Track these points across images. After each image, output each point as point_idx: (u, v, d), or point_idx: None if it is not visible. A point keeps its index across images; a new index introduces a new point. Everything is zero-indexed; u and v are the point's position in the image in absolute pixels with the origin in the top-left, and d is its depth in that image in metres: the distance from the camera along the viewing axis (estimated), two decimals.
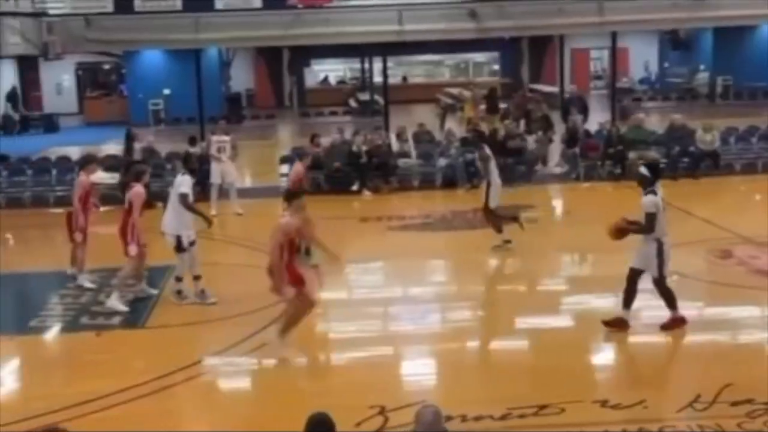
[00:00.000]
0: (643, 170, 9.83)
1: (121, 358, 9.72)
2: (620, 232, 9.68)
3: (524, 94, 29.60)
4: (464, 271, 13.27)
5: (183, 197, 11.25)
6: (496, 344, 9.92)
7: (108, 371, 9.21)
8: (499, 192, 13.58)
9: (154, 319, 10.88)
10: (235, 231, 16.24)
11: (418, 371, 9.38)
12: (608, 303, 10.48)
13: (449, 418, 7.16)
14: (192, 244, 11.35)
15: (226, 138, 17.57)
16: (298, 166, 14.04)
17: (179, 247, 11.22)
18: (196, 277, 11.43)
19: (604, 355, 9.66)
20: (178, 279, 11.48)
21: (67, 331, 10.75)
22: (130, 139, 19.22)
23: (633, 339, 9.77)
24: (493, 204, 13.56)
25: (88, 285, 12.22)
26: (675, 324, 9.71)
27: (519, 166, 19.72)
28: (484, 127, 22.48)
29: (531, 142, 21.15)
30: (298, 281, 9.24)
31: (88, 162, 12.90)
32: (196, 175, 12.35)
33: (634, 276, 9.72)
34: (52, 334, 10.81)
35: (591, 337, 9.71)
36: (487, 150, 13.91)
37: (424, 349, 9.88)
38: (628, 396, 8.05)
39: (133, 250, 11.26)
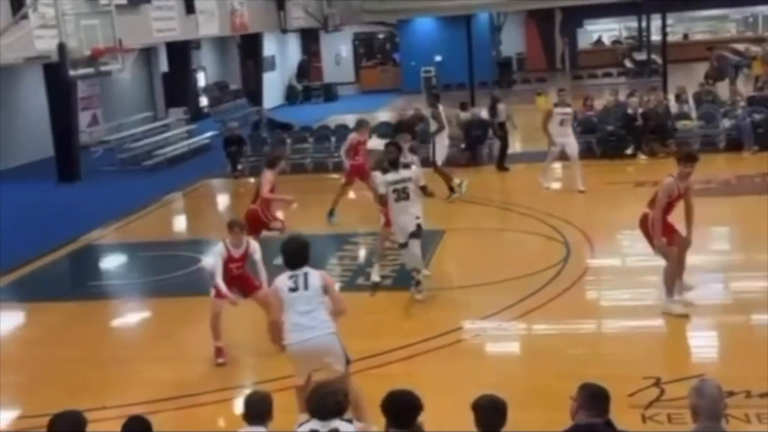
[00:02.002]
0: None
1: (393, 318, 10.03)
2: None
3: (721, 54, 27.22)
4: (750, 239, 12.40)
5: (378, 197, 10.51)
6: None
7: (381, 330, 9.54)
8: (446, 149, 15.36)
9: (426, 281, 11.07)
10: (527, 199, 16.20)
11: (697, 343, 8.92)
12: None
13: (731, 394, 6.74)
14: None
15: (569, 110, 16.20)
16: (354, 136, 14.71)
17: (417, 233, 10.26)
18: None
19: None
20: (417, 270, 10.46)
21: (345, 291, 11.21)
22: (494, 101, 19.15)
23: None
24: (440, 158, 15.16)
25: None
26: None
27: None
28: None
29: None
30: (670, 234, 9.31)
31: (274, 159, 12.21)
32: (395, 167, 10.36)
33: None
34: None
35: None
36: (440, 108, 15.62)
37: (703, 320, 9.37)
38: None
39: (382, 219, 11.15)
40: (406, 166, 10.36)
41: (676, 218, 9.47)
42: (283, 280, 6.74)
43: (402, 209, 10.17)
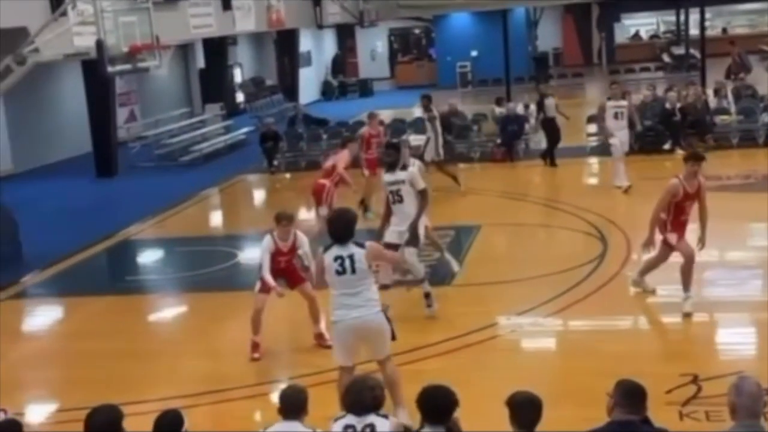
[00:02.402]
0: None
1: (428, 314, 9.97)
2: None
3: (738, 52, 26.97)
4: None
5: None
6: None
7: (416, 326, 9.49)
8: (438, 147, 15.88)
9: (460, 276, 11.04)
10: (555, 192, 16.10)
11: (735, 340, 8.80)
12: None
13: None
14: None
15: (624, 103, 15.59)
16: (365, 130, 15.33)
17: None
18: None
19: None
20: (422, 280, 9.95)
21: (381, 287, 11.18)
22: (542, 96, 18.88)
23: None
24: (428, 157, 15.45)
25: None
26: None
27: None
28: None
29: None
30: (681, 232, 9.29)
31: (347, 140, 13.66)
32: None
33: None
34: None
35: None
36: (435, 111, 16.24)
37: (741, 317, 9.25)
38: None
39: None
40: (404, 167, 9.64)
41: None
42: (330, 262, 6.83)
43: (396, 212, 9.63)
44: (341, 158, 12.42)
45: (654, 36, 41.76)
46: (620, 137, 15.24)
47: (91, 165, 20.60)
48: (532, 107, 21.46)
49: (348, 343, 6.99)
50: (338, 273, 6.79)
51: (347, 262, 6.77)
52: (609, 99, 15.67)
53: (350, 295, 6.84)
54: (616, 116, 15.26)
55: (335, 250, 6.83)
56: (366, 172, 14.88)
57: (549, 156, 17.96)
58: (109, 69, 12.59)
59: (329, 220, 7.21)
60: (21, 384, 9.02)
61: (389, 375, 6.90)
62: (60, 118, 23.47)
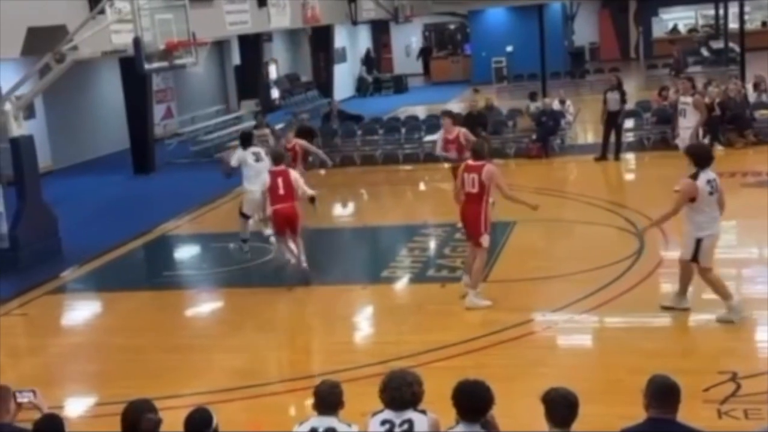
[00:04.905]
0: None
1: (462, 310, 9.96)
2: None
3: (679, 48, 26.65)
4: None
5: None
6: None
7: (451, 322, 9.50)
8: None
9: (494, 273, 11.00)
10: (580, 187, 15.99)
11: None
12: None
13: None
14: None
15: (688, 100, 14.69)
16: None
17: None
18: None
19: None
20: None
21: (415, 282, 11.24)
22: (608, 88, 18.48)
23: None
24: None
25: None
26: None
27: None
28: None
29: None
30: None
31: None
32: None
33: None
34: (401, 284, 11.36)
35: None
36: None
37: None
38: None
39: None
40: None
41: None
42: (704, 185, 8.51)
43: None
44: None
45: (692, 30, 41.29)
46: (683, 136, 14.51)
47: (129, 161, 20.80)
48: (569, 102, 21.35)
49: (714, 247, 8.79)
50: (710, 194, 8.53)
51: (715, 183, 8.58)
52: (683, 95, 15.00)
53: (716, 211, 8.67)
54: (680, 114, 14.65)
55: (706, 177, 8.56)
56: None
57: (614, 151, 17.68)
58: (146, 66, 12.70)
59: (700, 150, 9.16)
60: (59, 378, 9.14)
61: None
62: (98, 115, 23.71)
